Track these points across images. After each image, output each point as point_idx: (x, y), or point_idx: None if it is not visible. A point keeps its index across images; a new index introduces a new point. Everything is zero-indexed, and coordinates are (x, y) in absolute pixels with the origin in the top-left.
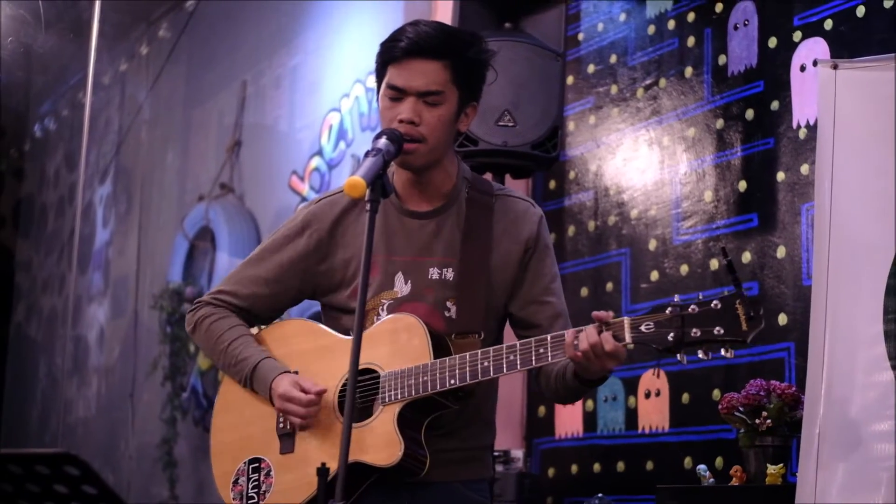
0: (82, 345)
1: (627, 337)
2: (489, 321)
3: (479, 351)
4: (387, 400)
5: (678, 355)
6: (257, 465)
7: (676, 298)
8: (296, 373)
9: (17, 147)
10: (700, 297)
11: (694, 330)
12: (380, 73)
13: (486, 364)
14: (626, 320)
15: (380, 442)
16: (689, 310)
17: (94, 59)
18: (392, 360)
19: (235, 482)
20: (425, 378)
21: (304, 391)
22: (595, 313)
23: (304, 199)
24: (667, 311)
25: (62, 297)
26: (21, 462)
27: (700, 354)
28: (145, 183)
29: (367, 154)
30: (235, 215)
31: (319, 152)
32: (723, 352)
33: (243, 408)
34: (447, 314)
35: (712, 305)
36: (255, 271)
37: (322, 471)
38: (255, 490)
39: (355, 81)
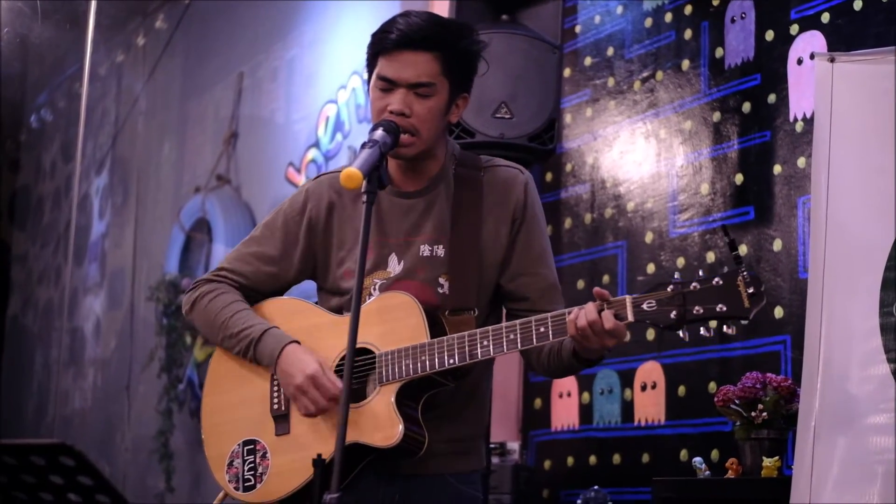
0: (78, 337)
1: (630, 315)
2: (482, 297)
3: (479, 330)
4: (384, 380)
5: (680, 332)
6: (252, 446)
7: (677, 276)
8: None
9: (13, 138)
10: (700, 275)
11: (696, 308)
12: (370, 64)
13: (485, 343)
14: (628, 299)
15: (378, 422)
16: (691, 287)
17: (91, 51)
18: (387, 340)
19: (230, 464)
20: (423, 358)
21: (332, 383)
22: (596, 290)
23: None
24: (668, 290)
25: (58, 289)
26: (16, 453)
27: (702, 331)
28: (142, 174)
29: (363, 145)
30: (232, 207)
31: (316, 144)
32: (725, 328)
33: (235, 388)
34: (440, 290)
35: (714, 283)
36: (257, 248)
37: (318, 462)
38: (252, 472)
39: (352, 73)
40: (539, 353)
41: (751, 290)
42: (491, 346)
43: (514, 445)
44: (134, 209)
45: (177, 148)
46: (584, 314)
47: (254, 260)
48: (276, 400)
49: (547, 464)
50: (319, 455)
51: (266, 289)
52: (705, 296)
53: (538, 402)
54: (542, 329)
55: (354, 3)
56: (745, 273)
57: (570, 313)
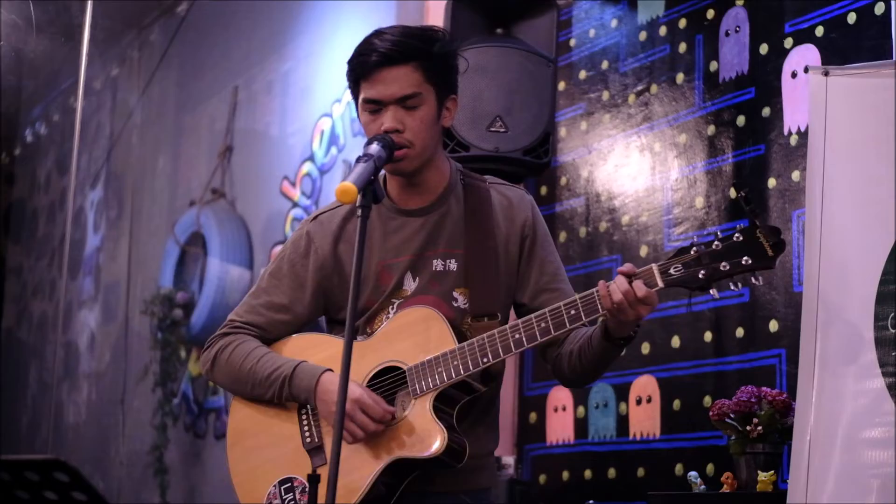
0: (73, 350)
1: (659, 282)
2: (504, 304)
3: (508, 325)
4: (417, 392)
5: (711, 291)
6: (289, 484)
7: (696, 239)
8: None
9: (8, 151)
10: (719, 234)
11: (723, 264)
12: (354, 90)
13: (517, 336)
14: (655, 267)
15: (419, 435)
16: (714, 246)
17: (86, 64)
18: (416, 353)
19: None
20: (456, 362)
21: (377, 404)
22: (620, 268)
23: (295, 204)
24: (692, 252)
25: (53, 303)
26: (10, 468)
27: (732, 286)
28: (136, 188)
29: (358, 160)
30: (227, 221)
31: (311, 157)
32: (753, 279)
33: (260, 433)
34: (455, 304)
35: (735, 238)
36: (267, 298)
37: (313, 478)
38: None
39: (347, 87)
40: (570, 356)
41: (772, 240)
42: (524, 337)
43: (509, 460)
44: (128, 223)
45: (171, 161)
46: (615, 287)
47: (265, 311)
48: (307, 433)
49: (542, 478)
50: (315, 469)
51: (282, 335)
52: (729, 252)
53: (533, 416)
54: (572, 311)
55: (349, 16)
56: (763, 225)
57: (598, 291)
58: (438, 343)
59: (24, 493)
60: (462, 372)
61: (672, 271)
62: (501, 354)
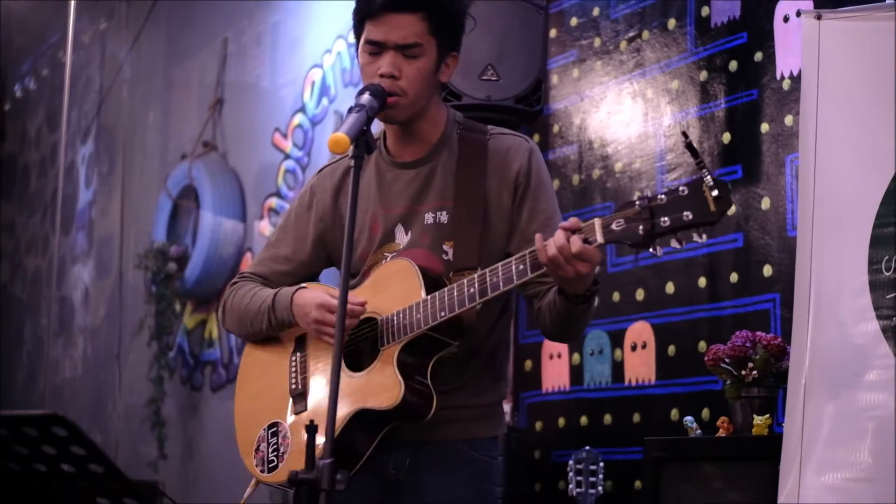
0: (67, 305)
1: (599, 237)
2: (487, 259)
3: (465, 279)
4: (384, 343)
5: (651, 248)
6: (275, 429)
7: (647, 192)
8: None
9: None
10: (668, 187)
11: (663, 219)
12: (357, 29)
13: (472, 290)
14: (597, 221)
15: (381, 385)
16: (658, 200)
17: (74, 19)
18: (389, 305)
19: (257, 449)
20: (418, 315)
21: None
22: (562, 223)
23: (287, 156)
24: (636, 206)
25: (46, 258)
26: (8, 424)
27: (673, 243)
28: (127, 142)
29: (350, 110)
30: (219, 173)
31: (302, 109)
32: (695, 237)
33: (260, 377)
34: (445, 257)
35: (679, 192)
36: (274, 251)
37: (310, 428)
38: (275, 453)
39: (337, 37)
40: (545, 313)
41: (715, 193)
42: (477, 292)
43: (505, 407)
44: (120, 177)
45: (162, 115)
46: (552, 241)
47: (270, 262)
48: (293, 380)
49: (538, 425)
50: (312, 421)
51: (285, 285)
52: (672, 206)
53: (529, 364)
54: (521, 266)
55: None
56: (710, 178)
57: (538, 240)
58: (409, 295)
59: (24, 448)
60: (422, 325)
61: (614, 226)
62: (457, 308)
